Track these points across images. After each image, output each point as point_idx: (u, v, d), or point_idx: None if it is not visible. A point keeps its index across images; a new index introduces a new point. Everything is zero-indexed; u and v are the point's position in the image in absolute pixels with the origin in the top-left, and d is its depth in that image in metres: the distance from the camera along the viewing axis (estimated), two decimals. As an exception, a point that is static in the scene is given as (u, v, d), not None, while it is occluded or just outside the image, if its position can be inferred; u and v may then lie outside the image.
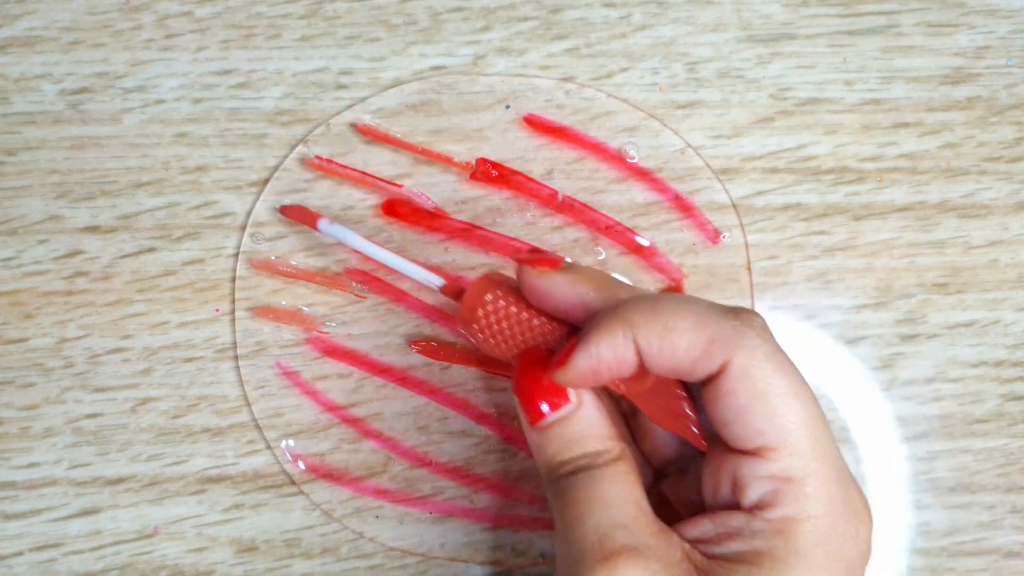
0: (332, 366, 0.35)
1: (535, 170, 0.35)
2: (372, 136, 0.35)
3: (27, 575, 0.34)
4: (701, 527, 0.24)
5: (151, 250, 0.35)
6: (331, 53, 0.36)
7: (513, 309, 0.27)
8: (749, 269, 0.35)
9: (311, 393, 0.35)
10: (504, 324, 0.27)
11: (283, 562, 0.34)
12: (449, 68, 0.36)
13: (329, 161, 0.35)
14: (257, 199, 0.35)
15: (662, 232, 0.35)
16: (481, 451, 0.35)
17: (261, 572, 0.34)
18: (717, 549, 0.23)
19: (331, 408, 0.35)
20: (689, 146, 0.36)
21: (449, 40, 0.36)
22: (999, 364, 0.35)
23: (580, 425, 0.25)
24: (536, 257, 0.27)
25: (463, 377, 0.35)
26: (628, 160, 0.36)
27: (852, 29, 0.37)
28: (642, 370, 0.25)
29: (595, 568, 0.22)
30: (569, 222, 0.35)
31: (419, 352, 0.35)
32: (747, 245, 0.35)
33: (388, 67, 0.36)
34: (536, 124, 0.36)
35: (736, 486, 0.24)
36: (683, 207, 0.35)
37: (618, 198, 0.36)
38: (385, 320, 0.35)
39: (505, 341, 0.27)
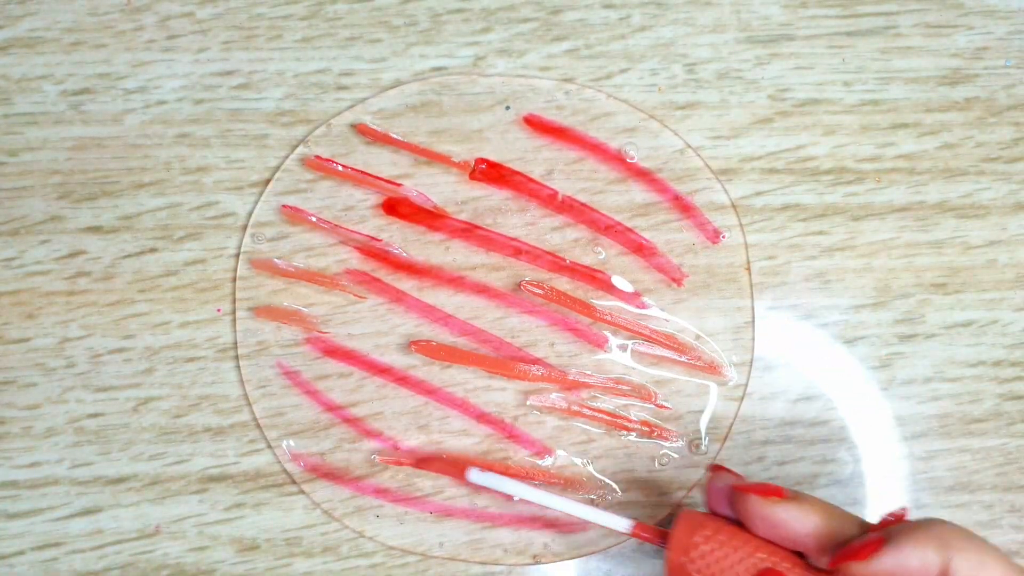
0: (332, 366, 0.35)
1: (535, 171, 0.36)
2: (372, 137, 0.36)
3: (29, 574, 0.34)
4: None
5: (152, 250, 0.35)
6: (332, 54, 0.36)
7: (730, 541, 0.27)
8: (748, 269, 0.36)
9: (311, 393, 0.35)
10: (722, 559, 0.27)
11: (284, 561, 0.34)
12: (449, 69, 0.36)
13: (330, 161, 0.35)
14: (258, 199, 0.35)
15: (662, 232, 0.36)
16: (481, 451, 0.35)
17: (262, 571, 0.34)
18: None
19: (331, 408, 0.35)
20: (689, 146, 0.36)
21: (449, 41, 0.36)
22: (997, 364, 0.36)
23: None
24: (758, 487, 0.28)
25: (463, 377, 0.35)
26: (628, 160, 0.36)
27: (851, 30, 0.37)
28: None
29: None
30: (569, 222, 0.36)
31: (419, 352, 0.35)
32: (746, 245, 0.36)
33: (389, 68, 0.36)
34: (536, 125, 0.36)
35: None
36: (683, 207, 0.36)
37: (618, 198, 0.36)
38: (385, 320, 0.35)
39: (724, 572, 0.27)
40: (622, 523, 0.30)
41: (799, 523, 0.27)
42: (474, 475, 0.32)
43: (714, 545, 0.27)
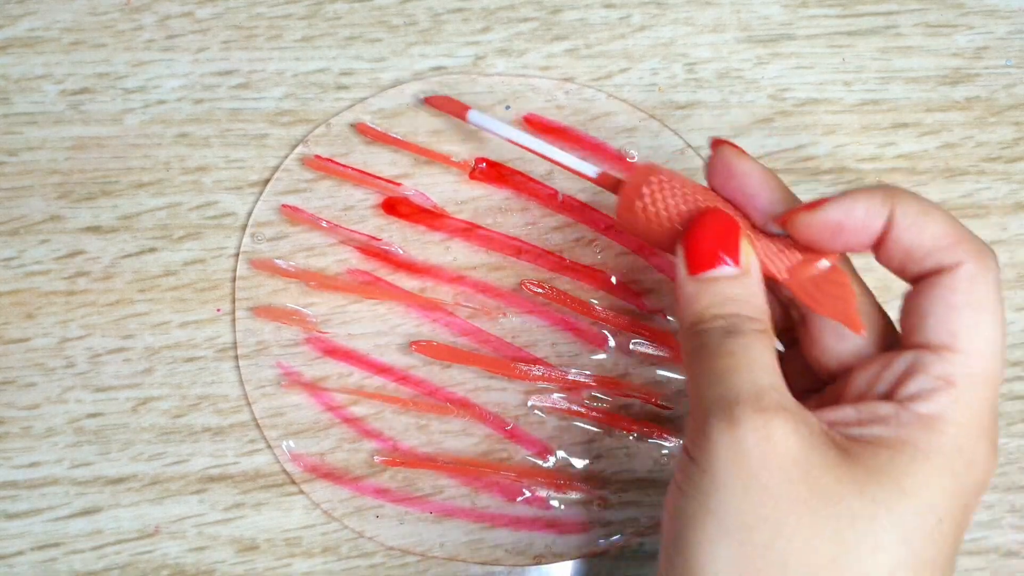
0: (332, 366, 0.35)
1: (536, 170, 0.36)
2: (372, 136, 0.36)
3: (28, 574, 0.34)
4: (841, 412, 0.25)
5: (152, 250, 0.35)
6: (332, 54, 0.36)
7: (683, 185, 0.27)
8: (748, 269, 0.35)
9: (312, 393, 0.35)
10: (671, 199, 0.27)
11: (283, 561, 0.34)
12: (449, 69, 0.36)
13: (330, 161, 0.35)
14: (258, 199, 0.35)
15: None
16: (481, 451, 0.35)
17: (261, 571, 0.34)
18: (857, 431, 0.24)
19: (331, 408, 0.35)
20: (689, 146, 0.36)
21: (449, 41, 0.36)
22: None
23: (742, 289, 0.26)
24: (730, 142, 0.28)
25: (463, 377, 0.35)
26: (628, 160, 0.36)
27: (851, 30, 0.37)
28: (811, 258, 0.26)
29: (751, 417, 0.23)
30: (569, 222, 0.36)
31: (419, 352, 0.35)
32: (746, 245, 0.35)
33: (388, 68, 0.36)
34: (536, 124, 0.36)
35: (897, 379, 0.25)
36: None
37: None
38: (385, 320, 0.35)
39: (668, 210, 0.27)
40: (589, 169, 0.30)
41: (755, 179, 0.27)
42: (474, 115, 0.33)
43: (666, 186, 0.27)
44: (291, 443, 0.35)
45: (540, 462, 0.35)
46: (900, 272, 0.26)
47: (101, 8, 0.36)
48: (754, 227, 0.27)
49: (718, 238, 0.26)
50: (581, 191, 0.36)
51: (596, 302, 0.35)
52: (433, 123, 0.36)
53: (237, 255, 0.35)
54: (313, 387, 0.35)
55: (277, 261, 0.35)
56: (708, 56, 0.36)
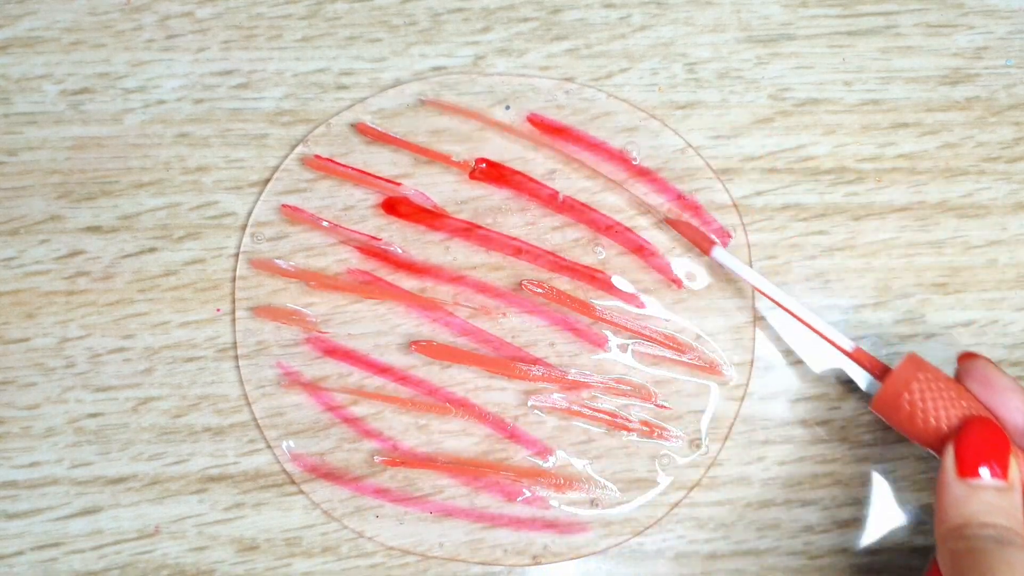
0: (332, 366, 0.35)
1: (535, 170, 0.36)
2: (372, 136, 0.36)
3: (28, 574, 0.34)
4: None
5: (152, 250, 0.35)
6: (332, 54, 0.36)
7: (948, 388, 0.29)
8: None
9: (311, 393, 0.35)
10: (939, 399, 0.29)
11: (283, 561, 0.34)
12: (449, 69, 0.36)
13: (330, 161, 0.35)
14: (258, 199, 0.35)
15: (663, 232, 0.36)
16: (481, 451, 0.35)
17: (261, 571, 0.34)
18: None
19: (331, 408, 0.35)
20: (690, 146, 0.36)
21: (449, 41, 0.36)
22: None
23: (1008, 503, 0.27)
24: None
25: (463, 377, 0.35)
26: (630, 160, 0.36)
27: (851, 30, 0.37)
28: None
29: None
30: (569, 222, 0.36)
31: (419, 352, 0.35)
32: (748, 245, 0.35)
33: (388, 68, 0.36)
34: (539, 124, 0.36)
35: None
36: (687, 207, 0.36)
37: (618, 198, 0.36)
38: (385, 320, 0.35)
39: (933, 412, 0.29)
40: (846, 342, 0.32)
41: (1009, 390, 0.29)
42: (718, 252, 0.33)
43: (932, 386, 0.29)
44: (291, 443, 0.35)
45: (540, 462, 0.35)
46: None
47: (101, 8, 0.36)
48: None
49: (990, 448, 0.28)
50: (581, 191, 0.36)
51: (596, 302, 0.35)
52: (433, 123, 0.36)
53: (237, 255, 0.35)
54: (313, 387, 0.35)
55: (277, 261, 0.35)
56: (708, 56, 0.36)
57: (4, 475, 0.35)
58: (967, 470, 0.27)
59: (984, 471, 0.27)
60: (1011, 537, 0.26)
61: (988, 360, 0.30)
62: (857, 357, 0.31)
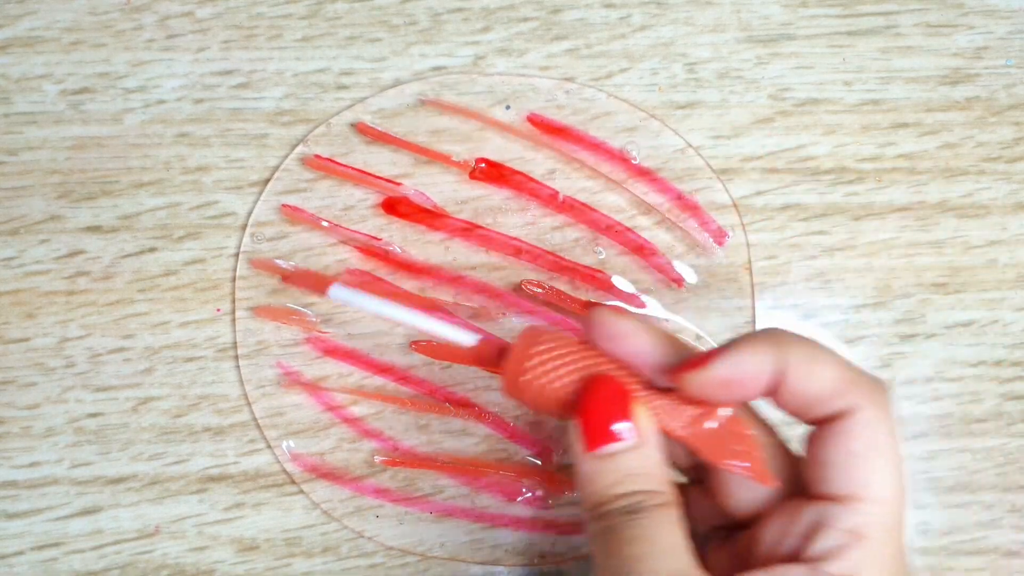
0: (332, 366, 0.35)
1: (535, 170, 0.36)
2: (372, 136, 0.36)
3: (28, 574, 0.34)
4: None
5: (152, 250, 0.35)
6: (332, 54, 0.36)
7: (568, 352, 0.25)
8: (749, 269, 0.36)
9: (311, 393, 0.35)
10: (556, 371, 0.25)
11: (283, 561, 0.34)
12: (449, 68, 0.36)
13: (330, 161, 0.35)
14: (258, 199, 0.35)
15: (663, 232, 0.36)
16: (481, 451, 0.35)
17: (261, 571, 0.34)
18: None
19: (331, 408, 0.35)
20: (690, 146, 0.36)
21: (449, 41, 0.36)
22: (998, 364, 0.36)
23: (641, 461, 0.25)
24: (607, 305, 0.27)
25: (463, 377, 0.35)
26: (630, 160, 0.36)
27: (851, 30, 0.37)
28: (709, 410, 0.25)
29: None
30: (569, 222, 0.36)
31: (419, 352, 0.35)
32: (748, 244, 0.35)
33: (388, 67, 0.36)
34: (539, 124, 0.36)
35: (806, 535, 0.24)
36: (686, 207, 0.36)
37: (618, 198, 0.36)
38: (385, 320, 0.35)
39: (559, 385, 0.25)
40: (467, 338, 0.27)
41: (639, 338, 0.25)
42: (335, 291, 0.28)
43: (550, 356, 0.25)
44: (291, 443, 0.35)
45: (540, 462, 0.35)
46: (799, 417, 0.25)
47: (101, 8, 0.36)
48: (647, 384, 0.25)
49: (610, 409, 0.25)
50: (581, 191, 0.36)
51: (596, 302, 0.35)
52: (433, 123, 0.36)
53: (237, 255, 0.35)
54: (313, 387, 0.35)
55: (277, 261, 0.35)
56: (708, 56, 0.36)
57: (4, 475, 0.35)
58: (592, 442, 0.25)
59: (609, 436, 0.24)
60: (642, 502, 0.24)
61: (606, 307, 0.26)
62: (480, 352, 0.27)
